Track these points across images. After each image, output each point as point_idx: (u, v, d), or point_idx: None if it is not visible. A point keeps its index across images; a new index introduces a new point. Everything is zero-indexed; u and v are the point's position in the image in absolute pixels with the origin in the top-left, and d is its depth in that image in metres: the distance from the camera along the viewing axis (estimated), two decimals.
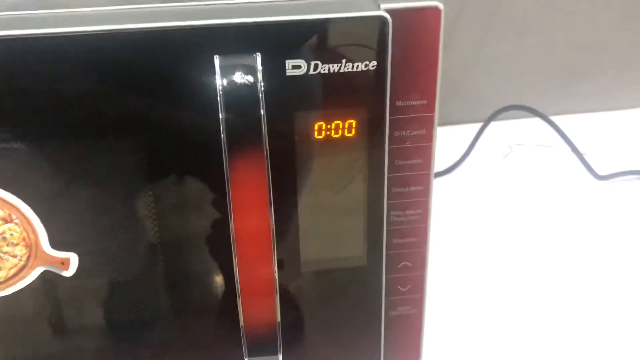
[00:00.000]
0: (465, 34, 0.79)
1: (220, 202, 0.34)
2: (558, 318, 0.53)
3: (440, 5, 0.34)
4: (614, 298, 0.55)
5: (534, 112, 0.76)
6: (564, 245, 0.63)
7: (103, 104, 0.33)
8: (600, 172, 0.72)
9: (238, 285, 0.35)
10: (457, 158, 0.76)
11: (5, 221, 0.35)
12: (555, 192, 0.71)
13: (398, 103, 0.36)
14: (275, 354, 0.39)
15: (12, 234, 0.35)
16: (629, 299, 0.55)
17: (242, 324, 0.37)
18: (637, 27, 0.85)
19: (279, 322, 0.37)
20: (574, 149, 0.73)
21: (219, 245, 0.36)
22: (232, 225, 0.34)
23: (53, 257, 0.36)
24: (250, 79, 0.32)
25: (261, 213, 0.34)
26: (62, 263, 0.37)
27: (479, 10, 0.80)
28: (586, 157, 0.73)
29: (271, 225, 0.34)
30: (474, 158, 0.77)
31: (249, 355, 0.39)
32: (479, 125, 0.79)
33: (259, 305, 0.36)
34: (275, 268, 0.35)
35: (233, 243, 0.34)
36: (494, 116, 0.78)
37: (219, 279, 0.37)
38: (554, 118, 0.77)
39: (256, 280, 0.35)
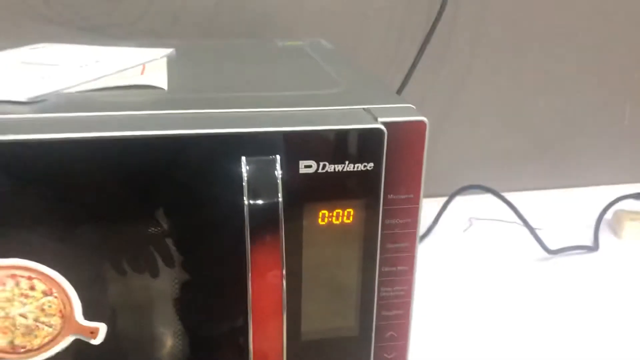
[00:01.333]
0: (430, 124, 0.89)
1: (239, 278, 0.40)
2: None
3: (426, 120, 0.41)
4: None
5: (489, 191, 0.84)
6: (518, 314, 0.69)
7: (140, 198, 0.39)
8: (551, 247, 0.80)
9: (251, 352, 0.40)
10: (424, 231, 0.83)
11: (46, 294, 0.40)
12: (509, 265, 0.79)
13: (389, 196, 0.43)
14: None
15: (50, 306, 0.40)
16: None
17: None
18: (587, 108, 0.96)
19: None
20: (527, 225, 0.81)
21: (236, 318, 0.41)
22: (249, 297, 0.40)
23: (84, 327, 0.41)
24: (271, 174, 0.39)
25: (276, 289, 0.40)
26: (92, 332, 0.41)
27: (437, 102, 0.90)
28: (538, 232, 0.81)
29: (283, 299, 0.40)
30: (438, 231, 0.85)
31: None
32: (443, 199, 0.87)
33: None
34: (285, 337, 0.41)
35: (249, 313, 0.40)
36: (456, 193, 0.86)
37: (234, 349, 0.42)
38: (509, 195, 0.86)
39: (268, 348, 0.41)
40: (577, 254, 0.81)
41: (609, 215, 0.88)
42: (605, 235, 0.85)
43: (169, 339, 0.43)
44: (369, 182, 0.41)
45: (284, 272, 0.40)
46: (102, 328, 0.41)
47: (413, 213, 0.43)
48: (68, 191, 0.38)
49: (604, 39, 0.93)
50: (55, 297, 0.40)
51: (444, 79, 0.89)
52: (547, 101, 0.94)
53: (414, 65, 0.83)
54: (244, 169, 0.39)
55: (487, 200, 0.88)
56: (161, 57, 0.56)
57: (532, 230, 0.80)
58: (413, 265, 0.45)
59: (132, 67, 0.52)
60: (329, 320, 0.45)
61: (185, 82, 0.50)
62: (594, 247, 0.83)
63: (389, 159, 0.41)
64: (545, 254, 0.80)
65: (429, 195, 0.89)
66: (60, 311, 0.40)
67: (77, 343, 0.41)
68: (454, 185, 0.87)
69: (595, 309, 0.70)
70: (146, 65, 0.53)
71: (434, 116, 0.90)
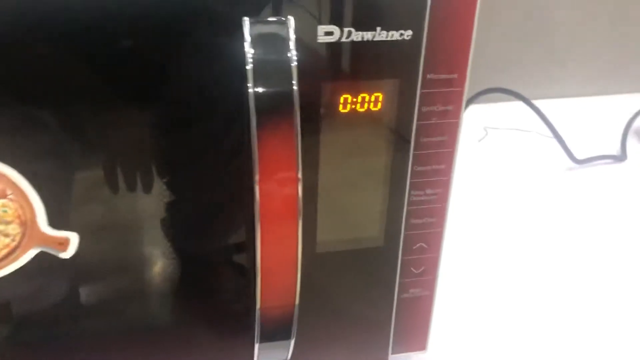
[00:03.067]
0: None
1: (245, 176, 0.32)
2: (547, 300, 0.54)
3: None
4: (593, 280, 0.56)
5: (513, 95, 0.76)
6: (545, 230, 0.63)
7: (114, 67, 0.30)
8: (578, 156, 0.73)
9: (259, 265, 0.33)
10: None
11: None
12: (532, 175, 0.72)
13: (429, 76, 0.34)
14: (289, 338, 0.37)
15: (5, 211, 0.32)
16: (608, 282, 0.56)
17: (258, 306, 0.35)
18: (621, 14, 0.87)
19: (296, 305, 0.35)
20: (555, 133, 0.74)
21: (241, 221, 0.33)
22: (257, 204, 0.32)
23: (50, 237, 0.33)
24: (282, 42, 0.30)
25: (290, 190, 0.32)
26: (60, 243, 0.33)
27: None
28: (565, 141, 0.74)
29: (299, 202, 0.32)
30: None
31: (261, 341, 0.36)
32: None
33: (279, 287, 0.34)
34: (299, 247, 0.33)
35: (257, 222, 0.32)
36: (472, 99, 0.78)
37: (238, 259, 0.35)
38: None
39: (279, 260, 0.33)
40: (604, 163, 0.74)
41: (637, 123, 0.80)
42: (633, 144, 0.78)
43: (159, 259, 0.35)
44: (405, 56, 0.33)
45: (300, 174, 0.31)
46: (73, 238, 0.33)
47: (456, 98, 0.35)
48: (26, 71, 0.29)
49: None
50: (11, 200, 0.32)
51: None
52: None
53: None
54: (247, 36, 0.30)
55: (502, 108, 0.81)
56: None
57: (559, 138, 0.73)
58: (452, 164, 0.37)
59: None
60: (350, 229, 0.37)
61: None
62: (622, 157, 0.76)
63: (431, 26, 0.32)
64: (571, 164, 0.73)
65: None
66: (19, 217, 0.32)
67: (42, 256, 0.33)
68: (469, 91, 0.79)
69: (623, 220, 0.64)
70: None
71: None
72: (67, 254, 0.33)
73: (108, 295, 0.35)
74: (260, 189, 0.31)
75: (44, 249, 0.33)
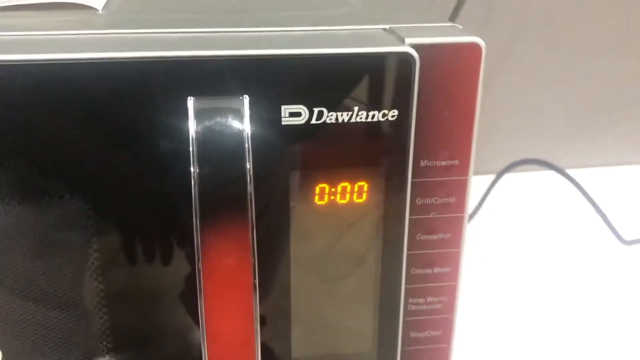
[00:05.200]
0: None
1: (189, 283, 0.26)
2: None
3: (481, 42, 0.26)
4: None
5: (550, 166, 0.69)
6: (593, 318, 0.55)
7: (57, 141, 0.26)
8: (626, 237, 0.65)
9: None
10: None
11: None
12: (576, 257, 0.64)
13: (422, 163, 0.28)
14: None
15: None
16: None
17: None
18: None
19: None
20: (596, 208, 0.66)
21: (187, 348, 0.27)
22: (202, 320, 0.26)
23: None
24: (234, 124, 0.25)
25: (242, 299, 0.25)
26: None
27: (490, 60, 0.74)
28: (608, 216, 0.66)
29: (255, 317, 0.26)
30: (483, 214, 0.70)
31: None
32: (490, 177, 0.72)
33: None
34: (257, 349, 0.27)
35: (203, 343, 0.26)
36: (507, 169, 0.71)
37: None
38: (570, 172, 0.70)
39: None
40: None
41: None
42: None
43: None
44: (391, 139, 0.27)
45: (256, 281, 0.25)
46: None
47: (459, 188, 0.29)
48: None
49: None
50: None
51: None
52: (612, 60, 0.77)
53: None
54: (192, 116, 0.25)
55: (541, 178, 0.73)
56: None
57: (603, 215, 0.65)
58: (457, 267, 0.30)
59: None
60: (332, 343, 0.31)
61: (132, 5, 0.36)
62: None
63: (422, 104, 0.27)
64: (618, 244, 0.64)
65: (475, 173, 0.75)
66: None
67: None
68: (503, 161, 0.72)
69: None
70: None
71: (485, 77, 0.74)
72: None
73: None
74: (205, 303, 0.25)
75: None
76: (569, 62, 0.77)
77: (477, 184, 0.70)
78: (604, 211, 0.66)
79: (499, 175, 0.72)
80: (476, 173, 0.77)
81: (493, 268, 0.62)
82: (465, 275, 0.33)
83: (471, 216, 0.69)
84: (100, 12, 0.32)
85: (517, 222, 0.71)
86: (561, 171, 0.69)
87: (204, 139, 0.24)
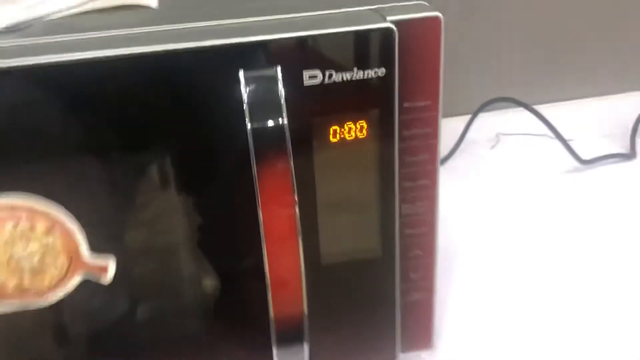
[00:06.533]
0: (448, 31, 0.83)
1: (251, 204, 0.37)
2: (549, 296, 0.57)
3: (440, 15, 0.37)
4: (602, 281, 0.58)
5: (518, 103, 0.79)
6: (553, 228, 0.66)
7: (138, 121, 0.36)
8: (584, 157, 0.76)
9: (268, 280, 0.38)
10: (449, 150, 0.79)
11: (48, 232, 0.38)
12: (541, 178, 0.75)
13: (405, 104, 0.39)
14: (302, 343, 0.42)
15: (54, 246, 0.38)
16: (618, 283, 0.58)
17: (271, 316, 0.40)
18: (618, 12, 0.89)
19: (305, 313, 0.40)
20: (558, 136, 0.76)
21: (251, 243, 0.39)
22: (261, 225, 0.37)
23: (92, 266, 0.39)
24: (272, 86, 0.35)
25: (288, 212, 0.37)
26: (101, 269, 0.39)
27: (459, 9, 0.83)
28: (570, 143, 0.77)
29: (297, 223, 0.37)
30: (463, 149, 0.81)
31: (278, 347, 0.41)
32: (466, 117, 0.82)
33: (288, 298, 0.39)
34: (302, 262, 0.38)
35: (263, 241, 0.37)
36: (481, 108, 0.81)
37: (250, 274, 0.40)
38: (538, 107, 0.81)
39: (285, 274, 0.38)
40: (612, 163, 0.77)
41: None
42: None
43: (185, 280, 0.41)
44: (381, 89, 0.38)
45: (296, 197, 0.37)
46: (111, 263, 0.39)
47: (432, 122, 0.40)
48: (60, 118, 0.35)
49: None
50: (58, 235, 0.38)
51: None
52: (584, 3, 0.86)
53: None
54: (243, 85, 0.35)
55: (513, 114, 0.84)
56: None
57: (563, 140, 0.76)
58: (435, 179, 0.42)
59: None
60: (350, 242, 0.42)
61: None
62: (631, 155, 0.78)
63: (402, 63, 0.37)
64: (578, 165, 0.76)
65: (450, 114, 0.85)
66: (66, 249, 0.38)
67: (87, 284, 0.39)
68: (477, 101, 0.82)
69: (634, 218, 0.67)
70: None
71: (455, 25, 0.83)
72: (107, 279, 0.39)
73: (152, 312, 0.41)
74: (263, 214, 0.36)
75: (88, 276, 0.39)
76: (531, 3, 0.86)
77: (458, 122, 0.82)
78: (565, 137, 0.77)
79: (475, 114, 0.83)
80: (455, 114, 0.88)
81: (475, 190, 0.74)
82: (443, 191, 0.44)
83: (456, 146, 0.80)
84: (154, 8, 0.43)
85: (492, 151, 0.82)
86: (527, 106, 0.79)
87: (254, 102, 0.35)
